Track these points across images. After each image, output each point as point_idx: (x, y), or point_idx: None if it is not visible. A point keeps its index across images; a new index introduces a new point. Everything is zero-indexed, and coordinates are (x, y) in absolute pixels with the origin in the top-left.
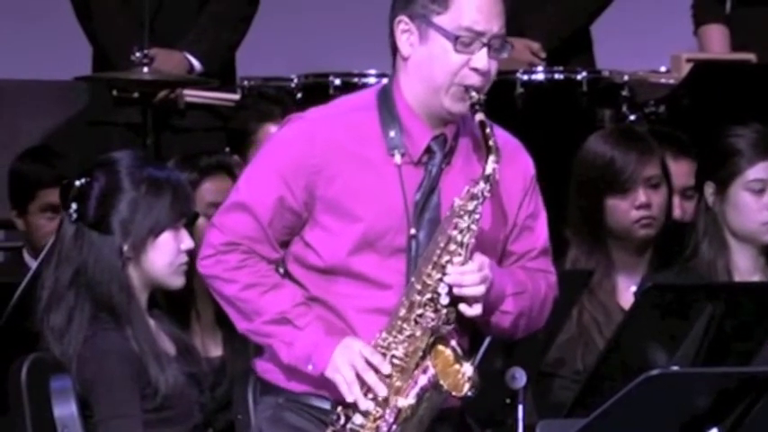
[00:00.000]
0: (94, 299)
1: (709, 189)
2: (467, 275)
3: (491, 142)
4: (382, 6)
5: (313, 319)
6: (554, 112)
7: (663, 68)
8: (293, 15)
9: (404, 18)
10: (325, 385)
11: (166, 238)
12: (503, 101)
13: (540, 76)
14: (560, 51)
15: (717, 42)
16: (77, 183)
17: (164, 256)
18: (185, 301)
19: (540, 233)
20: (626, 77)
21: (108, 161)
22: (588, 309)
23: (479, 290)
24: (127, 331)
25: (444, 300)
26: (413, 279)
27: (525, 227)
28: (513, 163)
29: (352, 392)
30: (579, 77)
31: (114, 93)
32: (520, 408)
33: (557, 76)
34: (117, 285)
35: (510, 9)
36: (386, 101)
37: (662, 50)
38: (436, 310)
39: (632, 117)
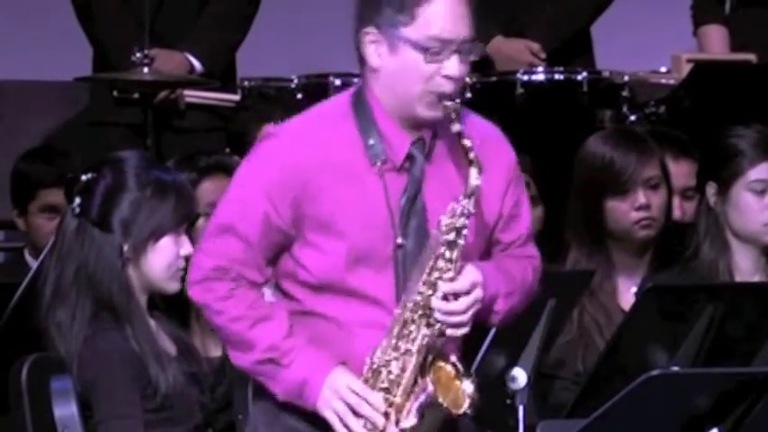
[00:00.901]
0: (95, 297)
1: (710, 190)
2: (456, 303)
3: (472, 155)
4: None
5: (301, 350)
6: (554, 112)
7: (663, 69)
8: (293, 15)
9: (371, 30)
10: None
11: (167, 242)
12: (503, 101)
13: (540, 77)
14: (560, 52)
15: (716, 43)
16: (83, 177)
17: (163, 259)
18: (185, 302)
19: (525, 219)
20: (626, 78)
21: (115, 159)
22: (589, 310)
23: (464, 318)
24: (127, 331)
25: (437, 315)
26: (404, 297)
27: (512, 215)
28: (496, 153)
29: (346, 425)
30: (579, 78)
31: (115, 93)
32: (520, 408)
33: (557, 76)
34: (117, 285)
35: (510, 9)
36: (361, 109)
37: (662, 51)
38: (429, 325)
39: (632, 117)
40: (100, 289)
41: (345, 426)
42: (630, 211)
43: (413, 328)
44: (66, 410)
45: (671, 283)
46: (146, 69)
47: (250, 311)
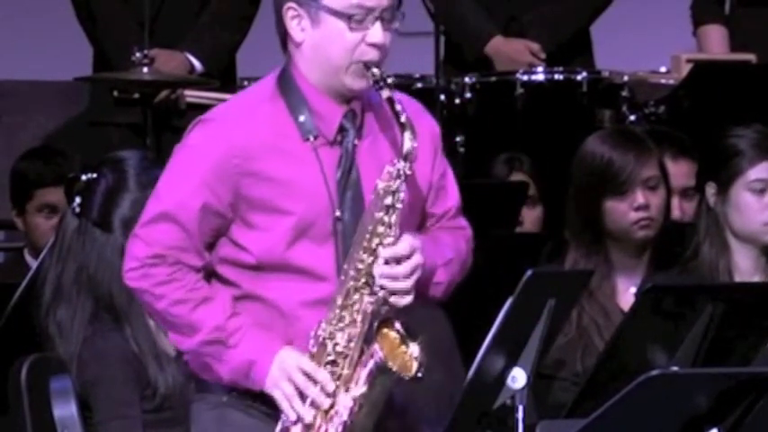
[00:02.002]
0: (95, 297)
1: (710, 190)
2: (398, 267)
3: (403, 119)
4: None
5: (247, 330)
6: (554, 112)
7: (663, 69)
8: None
9: (292, 5)
10: None
11: None
12: (503, 101)
13: (540, 77)
14: (560, 52)
15: (716, 43)
16: (84, 177)
17: None
18: None
19: (453, 190)
20: (626, 78)
21: (116, 159)
22: (588, 310)
23: (407, 284)
24: (127, 331)
25: (379, 281)
26: (346, 266)
27: (440, 187)
28: (420, 125)
29: (293, 408)
30: (579, 78)
31: (115, 93)
32: (520, 408)
33: (557, 76)
34: (117, 285)
35: (509, 9)
36: (288, 87)
37: (662, 51)
38: (372, 293)
39: (632, 117)
40: (100, 289)
41: (292, 407)
42: (629, 211)
43: (356, 297)
44: (65, 411)
45: (670, 283)
46: (146, 69)
47: (191, 294)
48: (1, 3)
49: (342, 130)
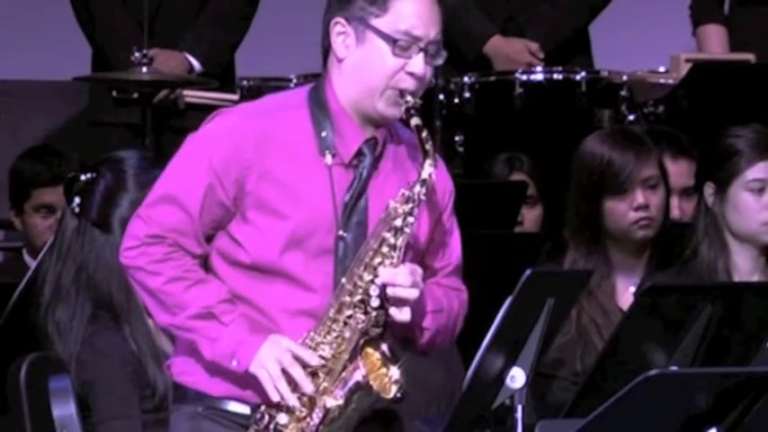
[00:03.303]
0: (94, 297)
1: (708, 190)
2: (400, 275)
3: (428, 146)
4: None
5: (238, 315)
6: (553, 112)
7: (662, 69)
8: (292, 15)
9: (341, 20)
10: (248, 386)
11: None
12: (502, 101)
13: (538, 77)
14: (559, 52)
15: (715, 42)
16: (83, 177)
17: None
18: None
19: (455, 250)
20: (625, 78)
21: (115, 159)
22: (587, 310)
23: (412, 292)
24: (126, 331)
25: (375, 302)
26: (343, 280)
27: (442, 243)
28: (438, 179)
29: (277, 388)
30: (578, 78)
31: (114, 93)
32: (519, 408)
33: (555, 76)
34: (117, 285)
35: (508, 9)
36: (318, 101)
37: (661, 51)
38: (366, 312)
39: (631, 117)
40: (99, 289)
41: (276, 387)
42: (629, 211)
43: (349, 312)
44: (64, 410)
45: (669, 283)
46: (145, 69)
47: (187, 273)
48: (1, 3)
49: (359, 154)
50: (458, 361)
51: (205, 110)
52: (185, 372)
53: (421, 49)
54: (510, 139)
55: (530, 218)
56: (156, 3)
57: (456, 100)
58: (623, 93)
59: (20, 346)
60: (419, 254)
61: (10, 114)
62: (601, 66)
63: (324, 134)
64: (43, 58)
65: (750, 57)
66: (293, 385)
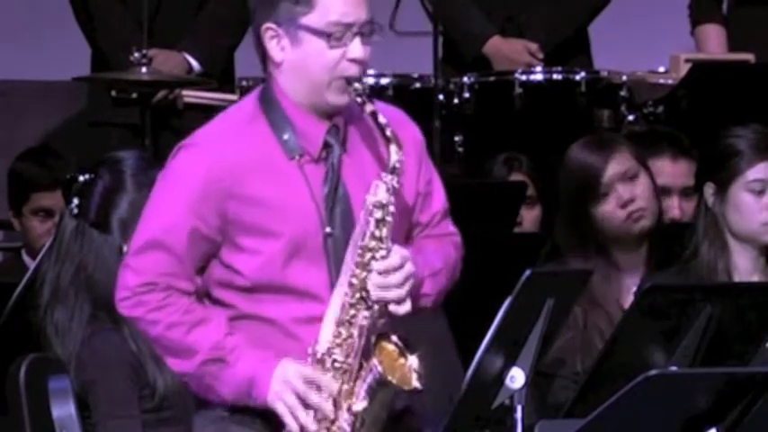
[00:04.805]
0: (93, 298)
1: (709, 190)
2: (390, 277)
3: (388, 132)
4: (381, 7)
5: (244, 348)
6: (552, 112)
7: (661, 69)
8: None
9: (270, 25)
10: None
11: None
12: (501, 101)
13: (538, 77)
14: (559, 52)
15: (713, 42)
16: (81, 178)
17: None
18: None
19: (438, 196)
20: (624, 78)
21: (113, 160)
22: (592, 316)
23: (401, 292)
24: (125, 331)
25: (374, 296)
26: (339, 282)
27: (426, 194)
28: (404, 134)
29: (296, 418)
30: (578, 78)
31: (113, 93)
32: (519, 408)
33: (555, 76)
34: (115, 285)
35: (508, 9)
36: (270, 106)
37: (660, 51)
38: (369, 308)
39: (631, 117)
40: (98, 289)
41: (295, 418)
42: (616, 210)
43: (352, 312)
44: (64, 411)
45: (669, 283)
46: (144, 69)
47: (185, 317)
48: (0, 3)
49: (326, 146)
50: (457, 361)
51: (204, 110)
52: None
53: (355, 34)
54: (509, 139)
55: (529, 218)
56: (155, 3)
57: (455, 100)
58: (623, 93)
59: (19, 346)
60: (409, 215)
61: (9, 114)
62: (600, 66)
63: (286, 137)
64: (43, 58)
65: (749, 57)
66: (313, 409)
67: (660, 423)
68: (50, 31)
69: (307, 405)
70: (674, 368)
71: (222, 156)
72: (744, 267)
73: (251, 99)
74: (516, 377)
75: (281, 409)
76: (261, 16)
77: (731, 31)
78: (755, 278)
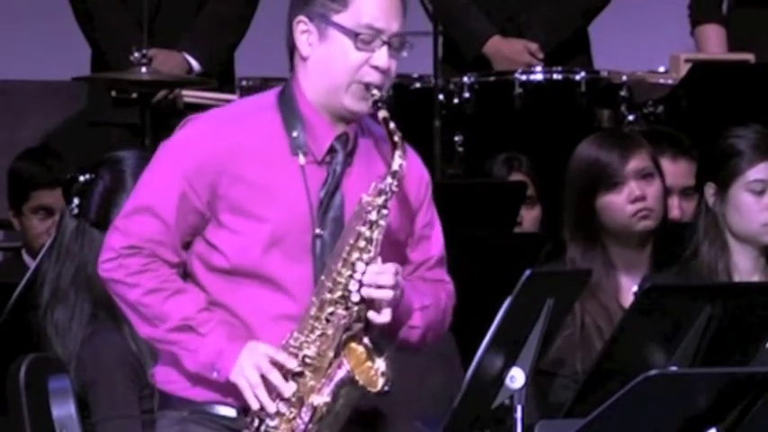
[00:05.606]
0: (94, 298)
1: (709, 190)
2: (383, 276)
3: (396, 138)
4: None
5: (216, 324)
6: (552, 112)
7: (661, 69)
8: None
9: (303, 18)
10: (231, 392)
11: None
12: (501, 101)
13: (538, 77)
14: (559, 52)
15: (713, 42)
16: (81, 178)
17: None
18: None
19: (436, 242)
20: (624, 78)
21: (114, 159)
22: (590, 312)
23: (388, 294)
24: (125, 331)
25: (355, 297)
26: (323, 277)
27: (423, 235)
28: (411, 170)
29: (256, 396)
30: (578, 78)
31: (113, 93)
32: (519, 408)
33: (555, 76)
34: None
35: (508, 9)
36: (287, 101)
37: (660, 51)
38: (347, 308)
39: (631, 117)
40: (98, 289)
41: (255, 395)
42: (625, 204)
43: (330, 309)
44: (64, 410)
45: (669, 283)
46: (144, 69)
47: (165, 284)
48: (0, 3)
49: (331, 150)
50: (458, 361)
51: (204, 110)
52: (169, 381)
53: (384, 42)
54: (509, 139)
55: (529, 218)
56: (155, 3)
57: (455, 100)
58: (623, 93)
59: (19, 346)
60: (399, 248)
61: (9, 114)
62: (600, 66)
63: (295, 134)
64: (42, 58)
65: (749, 57)
66: (274, 392)
67: (660, 423)
68: (50, 32)
69: (269, 385)
70: (674, 368)
71: (226, 135)
72: (744, 267)
73: (273, 91)
74: (516, 377)
75: (242, 384)
76: (296, 8)
77: (731, 31)
78: (755, 278)
